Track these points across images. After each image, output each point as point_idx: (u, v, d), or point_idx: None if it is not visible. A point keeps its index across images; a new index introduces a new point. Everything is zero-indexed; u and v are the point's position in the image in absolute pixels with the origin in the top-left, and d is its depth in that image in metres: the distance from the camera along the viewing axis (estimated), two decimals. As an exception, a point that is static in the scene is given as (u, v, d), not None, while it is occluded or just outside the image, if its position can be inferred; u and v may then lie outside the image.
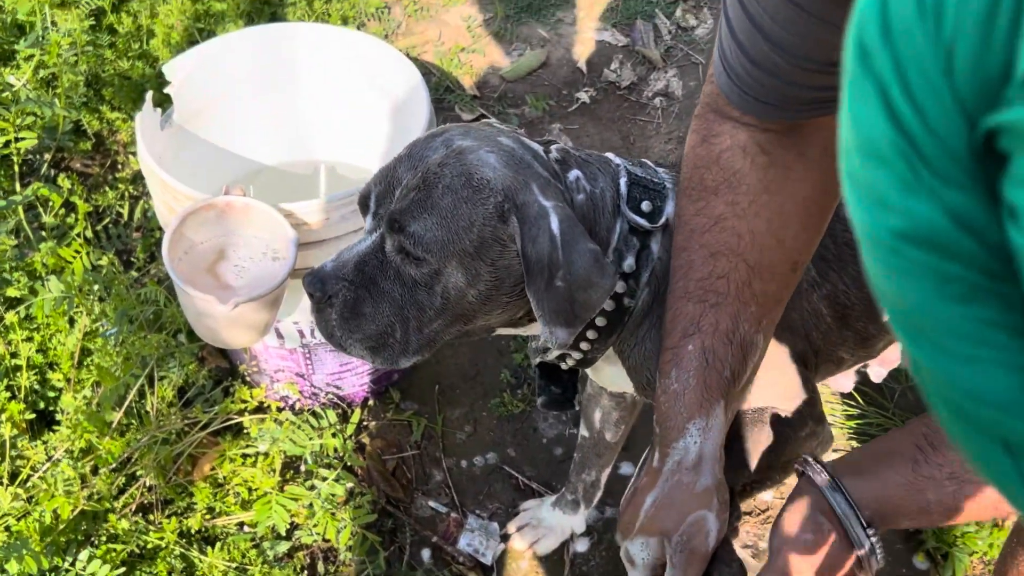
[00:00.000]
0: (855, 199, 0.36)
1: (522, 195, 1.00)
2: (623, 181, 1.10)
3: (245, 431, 1.80)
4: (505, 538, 1.80)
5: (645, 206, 1.10)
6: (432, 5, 2.92)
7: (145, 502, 1.73)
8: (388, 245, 1.04)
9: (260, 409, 1.84)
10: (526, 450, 1.94)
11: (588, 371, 1.30)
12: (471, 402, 2.01)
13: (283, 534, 1.71)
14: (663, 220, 1.11)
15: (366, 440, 1.92)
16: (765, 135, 0.97)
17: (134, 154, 2.43)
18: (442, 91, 2.67)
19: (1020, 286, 0.32)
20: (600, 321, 1.12)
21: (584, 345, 1.16)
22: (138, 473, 1.72)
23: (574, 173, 1.07)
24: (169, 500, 1.75)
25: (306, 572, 1.73)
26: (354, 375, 1.89)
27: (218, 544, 1.68)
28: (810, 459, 0.99)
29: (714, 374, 0.97)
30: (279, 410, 1.84)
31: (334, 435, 1.78)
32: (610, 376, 1.27)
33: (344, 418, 1.90)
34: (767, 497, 1.88)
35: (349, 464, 1.78)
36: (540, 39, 2.85)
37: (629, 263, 1.09)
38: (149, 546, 1.66)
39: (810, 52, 0.82)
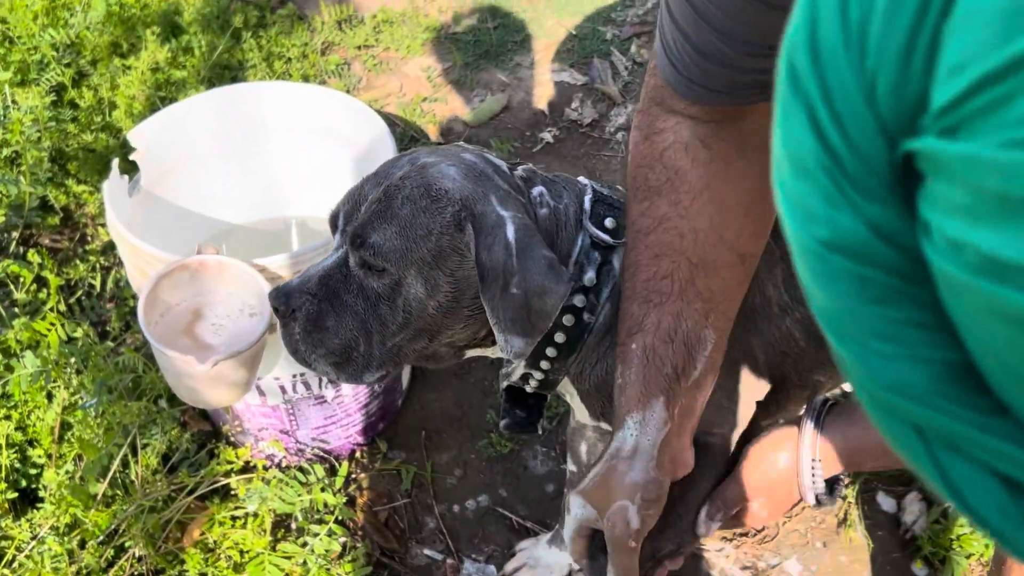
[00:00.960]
0: (786, 209, 0.39)
1: (480, 205, 1.02)
2: (587, 198, 1.13)
3: (233, 492, 1.78)
4: (503, 580, 1.78)
5: (608, 222, 1.12)
6: (391, 59, 2.96)
7: (135, 573, 1.70)
8: (352, 260, 1.07)
9: (246, 469, 1.82)
10: (517, 489, 1.93)
11: (568, 401, 1.30)
12: (459, 445, 2.00)
13: (278, 594, 1.69)
14: (626, 238, 1.12)
15: (356, 493, 1.90)
16: (707, 127, 0.99)
17: (103, 225, 2.42)
18: (407, 141, 2.69)
19: (931, 288, 0.35)
20: (559, 337, 1.12)
21: (544, 364, 1.16)
22: (126, 544, 1.69)
23: (538, 189, 1.10)
24: (160, 570, 1.72)
25: (304, 632, 1.70)
26: (339, 428, 1.88)
27: (212, 610, 1.65)
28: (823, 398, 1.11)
29: (653, 371, 1.01)
30: (266, 468, 1.82)
31: (323, 490, 1.77)
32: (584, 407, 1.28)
33: (332, 472, 1.88)
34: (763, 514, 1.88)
35: (340, 518, 1.76)
36: (500, 84, 2.89)
37: (590, 276, 1.10)
38: (142, 618, 1.63)
39: (757, 38, 0.84)
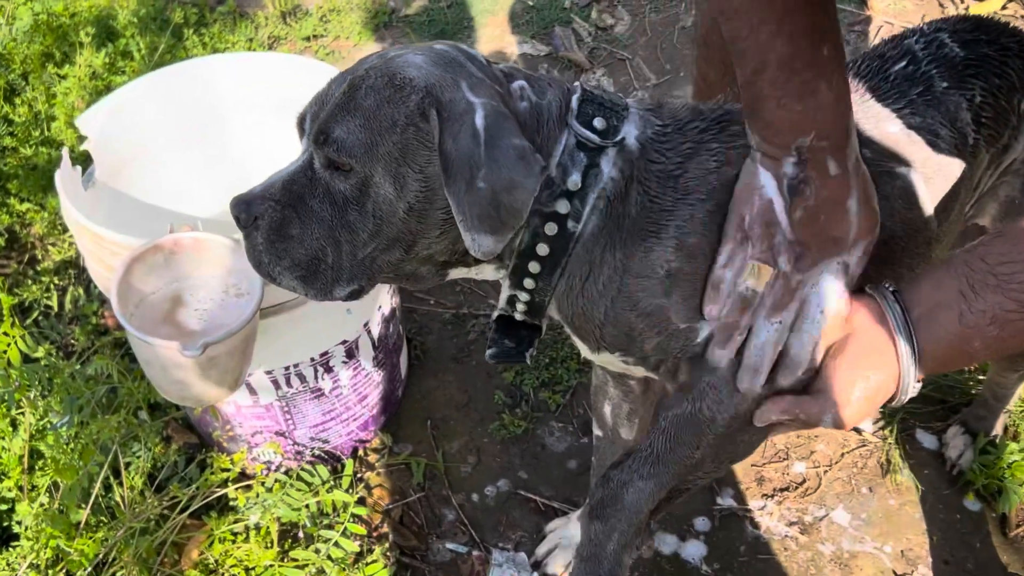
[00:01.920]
0: None
1: (448, 92, 0.93)
2: (575, 97, 1.02)
3: (231, 504, 1.61)
4: (537, 566, 1.64)
5: (598, 122, 1.01)
6: (342, 47, 2.82)
7: (131, 605, 1.53)
8: (317, 161, 0.99)
9: (243, 477, 1.66)
10: (538, 470, 1.79)
11: (580, 348, 1.17)
12: (469, 431, 1.85)
13: (295, 608, 1.53)
14: (619, 137, 1.02)
15: (364, 492, 1.74)
16: None
17: (53, 244, 2.24)
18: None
19: None
20: (542, 249, 1.02)
21: (528, 282, 1.06)
22: (118, 573, 1.51)
23: (519, 83, 1.01)
24: (158, 597, 1.55)
25: (327, 647, 1.54)
26: (339, 424, 1.72)
27: (223, 635, 1.49)
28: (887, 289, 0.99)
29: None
30: (264, 475, 1.66)
31: (330, 491, 1.61)
32: (601, 358, 1.17)
33: (336, 472, 1.72)
34: (800, 469, 1.76)
35: (353, 519, 1.60)
36: (460, 61, 2.76)
37: (574, 179, 1.00)
38: (144, 653, 1.46)
39: None
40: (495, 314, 1.15)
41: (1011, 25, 1.24)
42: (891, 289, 0.99)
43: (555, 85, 1.04)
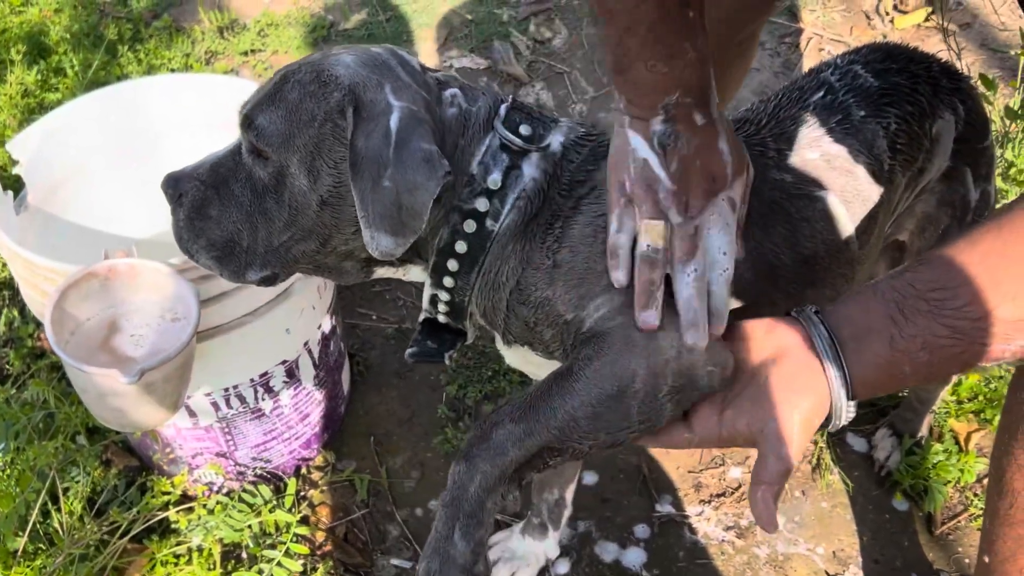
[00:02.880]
0: None
1: (371, 92, 0.96)
2: (505, 105, 1.06)
3: (173, 527, 1.61)
4: (481, 578, 1.66)
5: (523, 129, 1.04)
6: (281, 62, 2.82)
7: (72, 632, 1.51)
8: (243, 146, 1.02)
9: (184, 500, 1.65)
10: (481, 482, 1.81)
11: (501, 350, 1.19)
12: (412, 446, 1.87)
13: (239, 630, 1.53)
14: (544, 144, 1.05)
15: (308, 511, 1.75)
16: None
17: (-15, 266, 2.21)
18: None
19: None
20: (460, 247, 1.04)
21: (448, 281, 1.07)
22: (58, 601, 1.50)
23: (451, 91, 1.04)
24: (99, 624, 1.54)
25: (272, 667, 1.54)
26: (281, 443, 1.73)
27: (166, 659, 1.48)
28: (812, 313, 0.96)
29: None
30: (206, 496, 1.65)
31: (272, 511, 1.62)
32: (518, 357, 1.18)
33: (279, 492, 1.73)
34: (736, 474, 1.81)
35: (296, 539, 1.61)
36: (400, 75, 2.77)
37: (494, 178, 1.02)
38: None
39: None
40: (421, 316, 1.17)
41: (918, 51, 1.30)
42: (815, 311, 0.98)
43: (489, 95, 1.07)
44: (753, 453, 1.85)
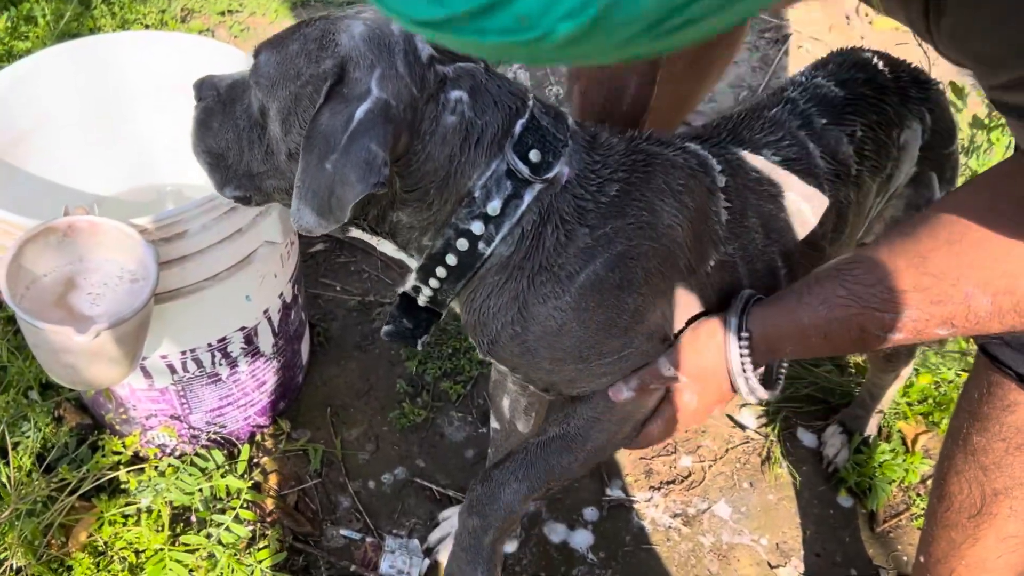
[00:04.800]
0: None
1: (358, 71, 0.95)
2: (520, 122, 1.03)
3: (123, 487, 1.60)
4: (428, 552, 1.68)
5: (533, 155, 1.03)
6: (258, 24, 2.79)
7: (15, 587, 1.51)
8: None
9: (136, 461, 1.65)
10: (436, 458, 1.82)
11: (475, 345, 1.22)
12: (368, 419, 1.87)
13: (183, 592, 1.53)
14: (550, 175, 1.03)
15: (260, 478, 1.75)
16: None
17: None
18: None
19: None
20: (451, 260, 1.06)
21: (433, 282, 1.10)
22: (2, 555, 1.50)
23: (457, 94, 0.99)
24: (43, 580, 1.53)
25: (216, 630, 1.55)
26: (236, 409, 1.72)
27: (109, 618, 1.48)
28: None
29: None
30: (157, 458, 1.65)
31: (223, 476, 1.62)
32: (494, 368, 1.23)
33: (232, 457, 1.73)
34: (687, 463, 1.84)
35: (247, 503, 1.61)
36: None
37: (494, 205, 1.02)
38: (27, 636, 1.44)
39: None
40: (400, 290, 1.17)
41: (889, 57, 1.31)
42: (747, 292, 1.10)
43: (502, 104, 1.01)
44: (705, 442, 1.87)
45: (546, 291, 1.05)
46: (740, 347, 1.04)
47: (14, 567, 1.50)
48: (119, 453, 1.57)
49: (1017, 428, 1.15)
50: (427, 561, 1.66)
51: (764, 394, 1.08)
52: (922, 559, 1.36)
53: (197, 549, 1.55)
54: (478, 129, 1.00)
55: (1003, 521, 1.20)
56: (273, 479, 1.76)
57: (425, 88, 0.97)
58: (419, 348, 1.19)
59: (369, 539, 1.69)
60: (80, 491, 1.56)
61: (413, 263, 1.11)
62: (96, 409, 1.73)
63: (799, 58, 2.85)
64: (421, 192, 1.01)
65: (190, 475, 1.59)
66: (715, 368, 1.07)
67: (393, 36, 0.97)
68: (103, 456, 1.56)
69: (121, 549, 1.56)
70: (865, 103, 1.22)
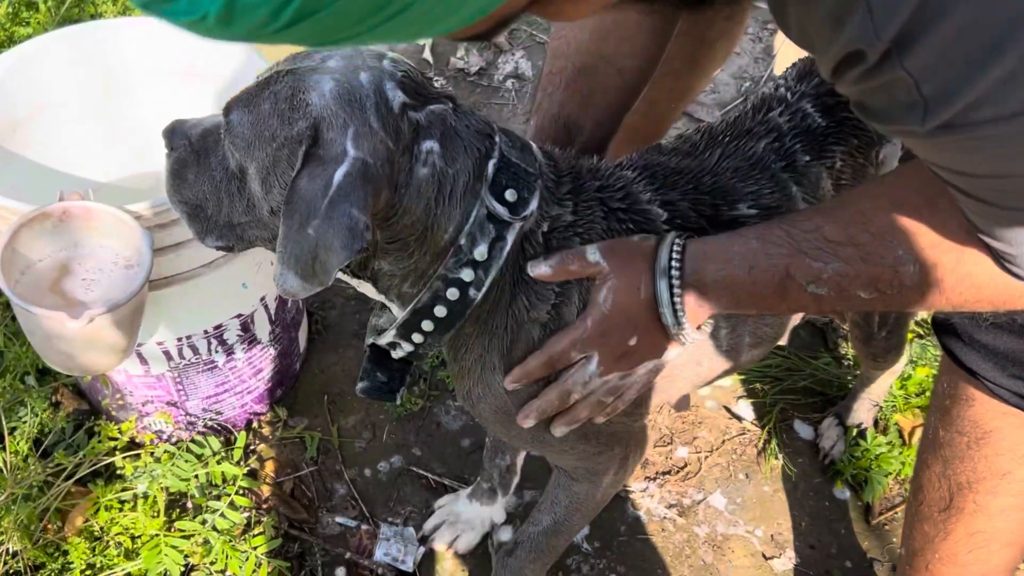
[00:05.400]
0: None
1: (332, 132, 0.93)
2: (492, 163, 1.02)
3: (118, 473, 1.61)
4: (423, 541, 1.68)
5: (509, 194, 1.02)
6: (261, 12, 2.78)
7: (11, 571, 1.52)
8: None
9: (132, 447, 1.65)
10: (432, 447, 1.82)
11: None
12: (365, 407, 1.88)
13: (178, 578, 1.54)
14: (527, 212, 1.03)
15: (256, 465, 1.76)
16: None
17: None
18: (285, 96, 2.53)
19: None
20: (440, 311, 1.05)
21: (417, 337, 1.08)
22: (-2, 539, 1.51)
23: (429, 144, 0.98)
24: (40, 564, 1.54)
25: (210, 616, 1.56)
26: (233, 396, 1.73)
27: (104, 602, 1.49)
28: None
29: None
30: (154, 444, 1.66)
31: (220, 462, 1.62)
32: None
33: (228, 444, 1.73)
34: (683, 453, 1.84)
35: (242, 490, 1.62)
36: (380, 34, 2.74)
37: (481, 251, 1.02)
38: (22, 619, 1.45)
39: None
40: (368, 341, 1.16)
41: None
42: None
43: (471, 148, 1.01)
44: (701, 433, 1.87)
45: (497, 354, 1.10)
46: (670, 261, 1.01)
47: (10, 551, 1.51)
48: (115, 439, 1.57)
49: (974, 422, 1.16)
50: (422, 549, 1.67)
51: (679, 324, 1.02)
52: (903, 551, 1.37)
53: (192, 535, 1.55)
54: (450, 179, 0.99)
55: (970, 516, 1.21)
56: (270, 466, 1.76)
57: (400, 139, 0.96)
58: (398, 403, 1.20)
59: (364, 527, 1.70)
60: (76, 476, 1.57)
61: (394, 307, 1.10)
62: (93, 395, 1.74)
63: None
64: (401, 243, 1.00)
65: (186, 462, 1.59)
66: (639, 265, 1.02)
67: (363, 89, 0.95)
68: (99, 442, 1.57)
69: (117, 534, 1.57)
70: (847, 127, 1.20)
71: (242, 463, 1.68)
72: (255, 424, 1.82)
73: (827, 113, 1.21)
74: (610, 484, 1.31)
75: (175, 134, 1.06)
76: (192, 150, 1.04)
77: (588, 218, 1.08)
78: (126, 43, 1.70)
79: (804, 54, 1.10)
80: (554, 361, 1.07)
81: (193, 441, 1.67)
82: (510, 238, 1.03)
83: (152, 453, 1.62)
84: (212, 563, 1.56)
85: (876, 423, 1.87)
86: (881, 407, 1.86)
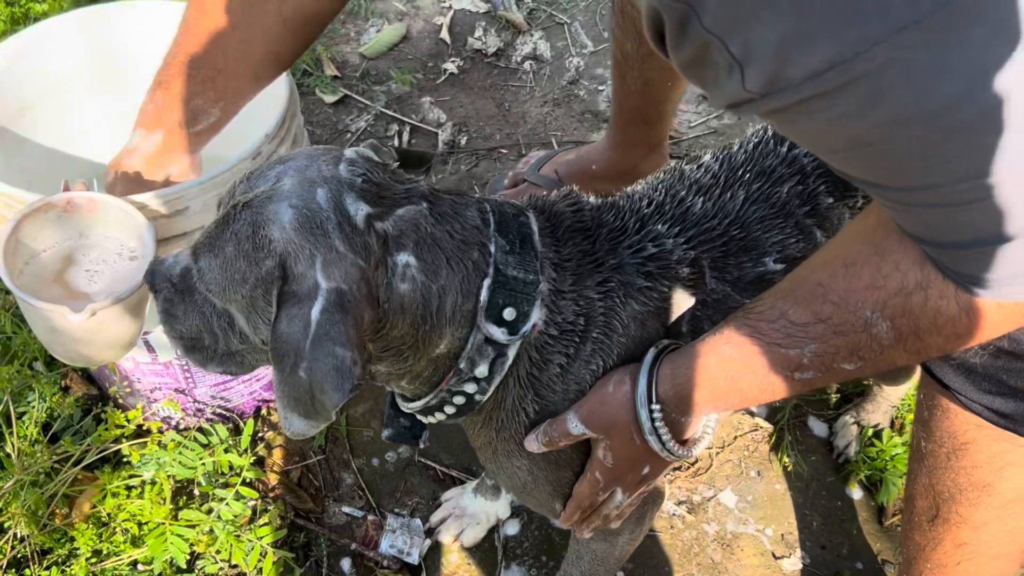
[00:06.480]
0: None
1: (301, 265, 0.89)
2: (486, 284, 0.97)
3: (125, 460, 1.61)
4: (430, 533, 1.67)
5: (508, 313, 0.98)
6: (277, -11, 2.75)
7: (19, 555, 1.52)
8: None
9: (139, 434, 1.65)
10: (440, 438, 1.81)
11: None
12: (374, 396, 1.86)
13: (183, 567, 1.54)
14: (527, 329, 1.00)
15: (264, 453, 1.75)
16: None
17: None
18: (300, 74, 2.50)
19: None
20: (449, 409, 1.08)
21: (431, 420, 1.11)
22: (6, 524, 1.51)
23: (404, 258, 0.93)
24: (47, 549, 1.55)
25: (215, 605, 1.56)
26: (242, 384, 1.72)
27: (110, 589, 1.50)
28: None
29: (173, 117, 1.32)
30: (161, 432, 1.65)
31: (227, 451, 1.62)
32: None
33: (236, 432, 1.73)
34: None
35: (248, 480, 1.61)
36: (397, 12, 2.71)
37: (481, 370, 1.01)
38: (29, 605, 1.46)
39: None
40: (389, 389, 1.16)
41: None
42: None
43: (456, 263, 0.96)
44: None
45: (509, 448, 1.11)
46: (649, 399, 1.00)
47: (18, 536, 1.52)
48: (122, 427, 1.57)
49: (951, 434, 1.14)
50: (428, 541, 1.66)
51: (680, 451, 1.03)
52: (901, 558, 1.37)
53: (198, 524, 1.55)
54: (435, 296, 0.95)
55: (955, 527, 1.20)
56: (277, 454, 1.76)
57: (371, 255, 0.91)
58: (421, 446, 1.22)
59: (371, 517, 1.69)
60: (84, 462, 1.57)
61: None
62: (102, 380, 1.73)
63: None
64: (395, 351, 0.98)
65: (192, 451, 1.59)
66: (622, 421, 1.02)
67: (322, 211, 0.90)
68: (106, 430, 1.57)
69: (124, 521, 1.57)
70: None
71: (249, 452, 1.67)
72: (264, 411, 1.81)
73: None
74: (627, 542, 1.33)
75: (156, 276, 1.06)
76: (176, 290, 1.03)
77: (601, 309, 1.05)
78: (135, 25, 1.68)
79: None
80: (584, 507, 1.13)
81: (200, 429, 1.67)
82: (511, 354, 1.01)
83: (159, 441, 1.61)
84: (217, 552, 1.56)
85: (892, 423, 1.83)
86: (898, 407, 1.82)
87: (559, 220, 1.07)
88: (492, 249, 0.98)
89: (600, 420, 1.03)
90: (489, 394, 1.05)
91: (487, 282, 0.97)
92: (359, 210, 0.92)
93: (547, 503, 1.18)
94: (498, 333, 0.99)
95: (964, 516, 1.17)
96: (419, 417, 1.13)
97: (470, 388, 1.03)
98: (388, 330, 0.95)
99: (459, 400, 1.05)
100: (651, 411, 1.00)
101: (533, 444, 1.07)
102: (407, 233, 0.94)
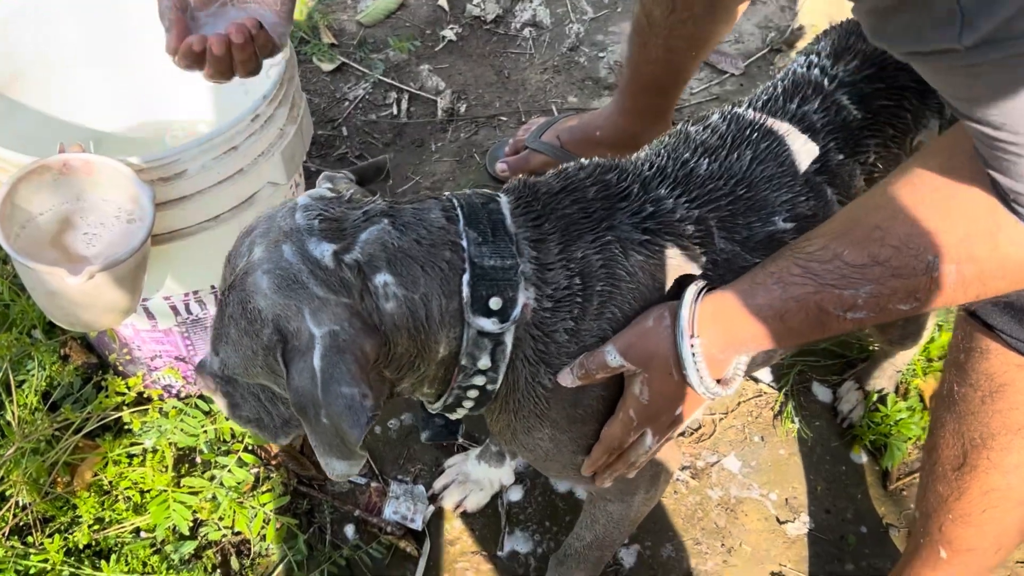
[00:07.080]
0: None
1: (293, 322, 0.92)
2: (466, 279, 0.98)
3: (127, 428, 1.60)
4: (433, 499, 1.67)
5: (494, 303, 0.99)
6: (273, -44, 2.71)
7: (20, 523, 1.52)
8: None
9: (140, 401, 1.64)
10: (442, 405, 1.80)
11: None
12: (376, 363, 1.85)
13: (186, 533, 1.54)
14: (517, 312, 1.00)
15: (266, 420, 1.74)
16: None
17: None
18: (297, 42, 2.47)
19: None
20: (467, 404, 1.08)
21: (460, 411, 1.11)
22: (7, 492, 1.50)
23: (382, 278, 0.95)
24: (49, 517, 1.54)
25: (218, 571, 1.55)
26: (243, 351, 1.71)
27: (113, 557, 1.49)
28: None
29: None
30: (162, 399, 1.64)
31: (227, 418, 1.60)
32: None
33: (238, 399, 1.71)
34: (697, 415, 1.81)
35: (250, 447, 1.61)
36: (395, -21, 2.67)
37: (484, 362, 1.02)
38: (32, 572, 1.45)
39: None
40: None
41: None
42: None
43: (431, 267, 0.97)
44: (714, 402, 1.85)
45: (529, 424, 1.11)
46: (690, 333, 0.99)
47: (20, 504, 1.51)
48: (123, 394, 1.56)
49: (988, 375, 1.13)
50: (431, 507, 1.66)
51: (716, 388, 1.02)
52: (917, 513, 1.36)
53: (200, 491, 1.54)
54: (420, 304, 0.96)
55: (984, 474, 1.19)
56: (279, 422, 1.75)
57: (352, 289, 0.93)
58: (459, 440, 1.26)
59: (374, 484, 1.68)
60: (84, 430, 1.56)
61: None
62: (101, 348, 1.72)
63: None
64: (408, 366, 1.00)
65: (193, 418, 1.58)
66: (662, 354, 1.01)
67: (293, 266, 0.92)
68: (107, 397, 1.56)
69: (126, 488, 1.56)
70: (883, 116, 1.14)
71: (251, 419, 1.66)
72: (265, 379, 1.80)
73: (863, 104, 1.15)
74: (642, 502, 1.32)
75: (206, 375, 1.09)
76: (226, 380, 1.07)
77: (599, 262, 1.04)
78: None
79: (832, 7, 1.04)
80: (613, 449, 1.11)
81: (201, 396, 1.66)
82: (509, 340, 1.02)
83: (160, 409, 1.60)
84: (220, 519, 1.55)
85: (896, 388, 1.83)
86: (902, 372, 1.81)
87: (535, 191, 1.07)
88: (464, 244, 0.99)
89: (639, 352, 1.02)
90: (500, 381, 1.05)
91: (466, 277, 0.98)
92: (324, 252, 0.94)
93: (570, 462, 1.17)
94: (489, 324, 0.99)
95: (995, 461, 1.16)
96: (447, 415, 1.14)
97: (479, 380, 1.04)
98: (393, 349, 0.97)
99: (473, 394, 1.06)
100: (692, 345, 0.99)
101: (567, 378, 1.05)
102: (376, 255, 0.95)
